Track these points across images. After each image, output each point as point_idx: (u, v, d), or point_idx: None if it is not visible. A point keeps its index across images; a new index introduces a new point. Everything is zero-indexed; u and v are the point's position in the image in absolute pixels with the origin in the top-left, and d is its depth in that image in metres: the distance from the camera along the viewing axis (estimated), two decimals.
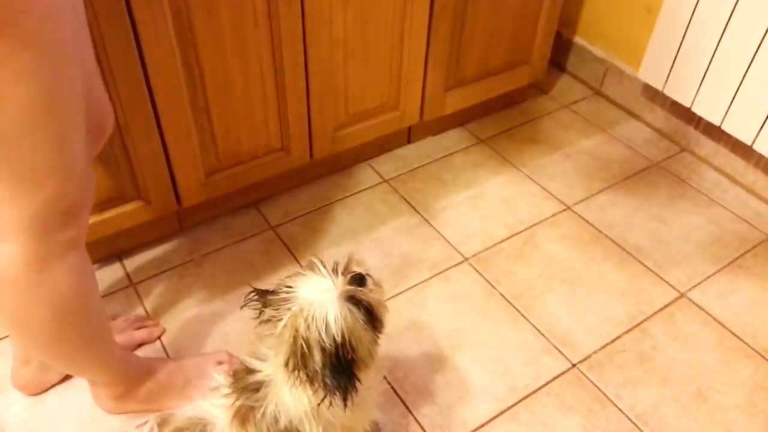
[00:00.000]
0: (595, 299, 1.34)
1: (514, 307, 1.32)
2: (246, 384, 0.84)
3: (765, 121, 1.45)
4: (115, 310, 1.28)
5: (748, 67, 1.44)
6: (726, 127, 1.54)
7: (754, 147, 1.50)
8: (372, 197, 1.56)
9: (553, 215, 1.53)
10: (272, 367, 0.82)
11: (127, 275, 1.35)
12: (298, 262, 1.38)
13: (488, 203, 1.56)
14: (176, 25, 1.10)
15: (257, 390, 0.83)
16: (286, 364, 0.78)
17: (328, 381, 0.76)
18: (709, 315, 1.32)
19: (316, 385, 0.77)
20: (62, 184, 0.76)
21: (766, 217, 1.55)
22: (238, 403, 0.83)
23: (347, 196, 1.56)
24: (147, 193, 1.26)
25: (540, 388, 1.19)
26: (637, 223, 1.52)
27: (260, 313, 0.80)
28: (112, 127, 0.96)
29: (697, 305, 1.34)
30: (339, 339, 0.74)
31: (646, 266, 1.42)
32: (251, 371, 0.84)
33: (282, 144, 1.39)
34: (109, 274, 1.35)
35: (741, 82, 1.47)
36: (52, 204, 0.77)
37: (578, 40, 1.93)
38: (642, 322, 1.31)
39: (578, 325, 1.30)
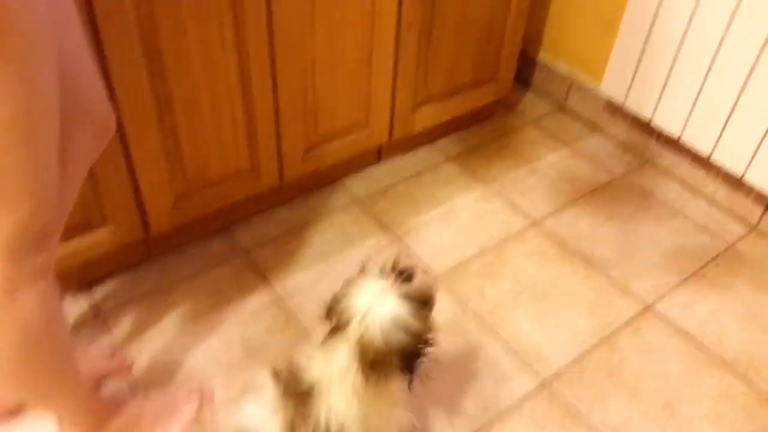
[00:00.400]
0: (565, 314, 1.37)
1: (485, 323, 1.34)
2: (295, 391, 0.86)
3: (721, 133, 1.49)
4: (83, 340, 1.26)
5: (704, 81, 1.49)
6: (685, 140, 1.59)
7: (712, 159, 1.54)
8: (343, 217, 1.56)
9: (522, 231, 1.56)
10: (323, 374, 0.86)
11: (95, 305, 1.33)
12: (269, 287, 1.38)
13: (459, 220, 1.57)
14: (144, 47, 1.10)
15: (307, 397, 0.86)
16: (347, 369, 0.82)
17: (402, 370, 0.83)
18: (675, 326, 1.36)
19: (380, 382, 0.83)
20: (36, 205, 0.75)
21: (728, 227, 1.59)
22: (289, 411, 0.86)
23: (319, 217, 1.56)
24: (114, 220, 1.25)
25: (512, 406, 1.20)
26: (603, 236, 1.55)
27: (328, 321, 0.86)
28: (115, 126, 0.95)
29: (663, 316, 1.37)
30: (402, 334, 0.81)
31: (612, 279, 1.45)
32: (298, 379, 0.87)
33: (252, 165, 1.39)
34: (76, 304, 1.32)
35: (698, 96, 1.51)
36: (25, 226, 0.76)
37: (542, 56, 1.96)
38: (610, 336, 1.33)
39: (548, 340, 1.32)
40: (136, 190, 1.24)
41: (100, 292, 1.35)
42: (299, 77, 1.33)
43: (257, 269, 1.42)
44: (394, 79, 1.51)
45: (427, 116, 1.65)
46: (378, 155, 1.71)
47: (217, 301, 1.35)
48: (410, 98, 1.57)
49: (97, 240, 1.25)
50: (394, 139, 1.63)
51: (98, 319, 1.30)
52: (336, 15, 1.30)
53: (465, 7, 1.52)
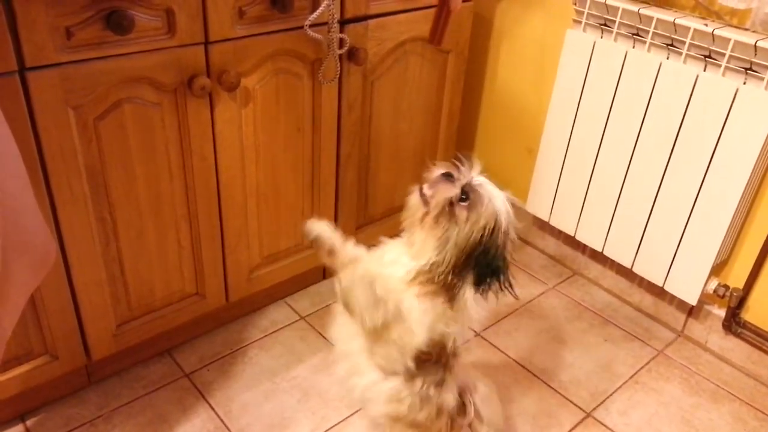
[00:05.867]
0: (509, 424, 1.39)
1: None
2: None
3: (639, 246, 1.63)
4: None
5: (618, 198, 1.64)
6: (608, 253, 1.71)
7: (634, 270, 1.66)
8: (289, 335, 1.58)
9: (464, 342, 1.60)
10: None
11: None
12: (214, 410, 1.36)
13: None
14: (90, 183, 1.14)
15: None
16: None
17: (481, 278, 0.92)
18: None
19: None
20: None
21: (656, 334, 1.69)
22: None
23: (264, 336, 1.57)
24: (55, 348, 1.23)
25: None
26: (541, 346, 1.61)
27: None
28: (54, 257, 0.96)
29: (603, 424, 1.41)
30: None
31: (552, 388, 1.49)
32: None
33: (197, 289, 1.41)
34: None
35: (614, 212, 1.66)
36: None
37: None
38: None
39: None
40: (79, 317, 1.24)
41: (35, 421, 1.30)
42: (244, 206, 1.40)
43: (201, 392, 1.40)
44: (336, 204, 1.60)
45: (369, 235, 1.73)
46: (323, 273, 1.76)
47: (158, 427, 1.31)
48: (352, 220, 1.66)
49: (35, 368, 1.22)
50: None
51: None
52: (278, 152, 1.40)
53: (397, 138, 1.66)
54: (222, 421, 1.34)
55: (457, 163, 0.97)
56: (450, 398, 1.04)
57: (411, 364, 0.97)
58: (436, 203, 0.93)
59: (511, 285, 0.97)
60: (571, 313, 1.73)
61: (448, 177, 0.96)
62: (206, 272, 1.39)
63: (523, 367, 1.54)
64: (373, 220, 1.72)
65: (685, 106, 1.44)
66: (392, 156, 1.67)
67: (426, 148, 1.75)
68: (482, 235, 0.91)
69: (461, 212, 0.92)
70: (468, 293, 0.94)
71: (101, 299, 1.25)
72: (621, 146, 1.59)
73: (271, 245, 1.51)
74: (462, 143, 2.06)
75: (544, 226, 1.93)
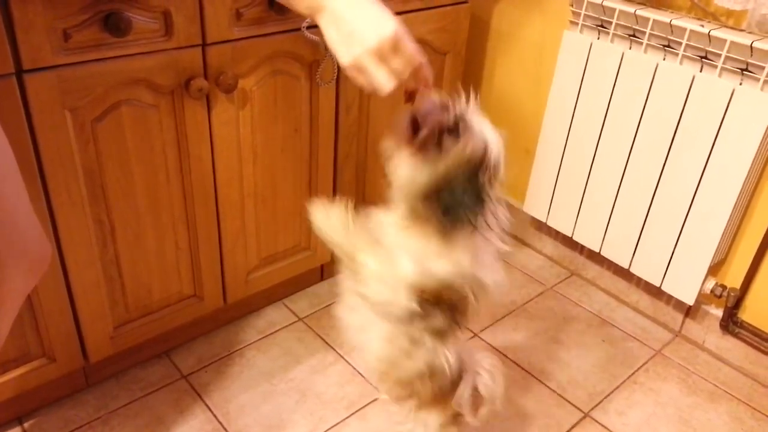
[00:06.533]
0: (507, 425, 1.39)
1: None
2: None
3: (636, 246, 1.63)
4: None
5: (615, 199, 1.64)
6: (605, 253, 1.72)
7: (631, 270, 1.67)
8: (287, 336, 1.58)
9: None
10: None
11: None
12: (211, 412, 1.36)
13: None
14: (88, 185, 1.14)
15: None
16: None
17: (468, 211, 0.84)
18: None
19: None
20: None
21: (654, 334, 1.69)
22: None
23: (262, 337, 1.57)
24: (52, 350, 1.23)
25: None
26: (539, 346, 1.61)
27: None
28: (50, 260, 0.96)
29: (601, 424, 1.41)
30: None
31: (550, 388, 1.49)
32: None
33: (195, 291, 1.41)
34: None
35: (611, 212, 1.66)
36: None
37: None
38: None
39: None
40: (76, 319, 1.24)
41: (33, 423, 1.29)
42: (241, 207, 1.40)
43: (198, 393, 1.40)
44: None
45: None
46: (321, 274, 1.76)
47: (156, 428, 1.31)
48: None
49: (33, 370, 1.22)
50: (337, 259, 1.69)
51: None
52: (276, 154, 1.40)
53: None
54: (220, 422, 1.34)
55: (455, 94, 0.90)
56: (444, 361, 0.95)
57: (412, 305, 0.88)
58: (426, 129, 0.86)
59: (485, 222, 0.87)
60: (568, 314, 1.73)
61: (442, 106, 0.89)
62: (204, 274, 1.39)
63: (521, 367, 1.54)
64: None
65: (681, 107, 1.44)
66: None
67: None
68: (466, 166, 0.84)
69: (450, 142, 0.86)
70: (461, 228, 0.87)
71: (99, 301, 1.25)
72: (618, 147, 1.60)
73: (269, 246, 1.51)
74: None
75: (541, 226, 1.93)
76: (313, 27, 1.29)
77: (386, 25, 0.76)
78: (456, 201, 0.85)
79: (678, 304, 1.67)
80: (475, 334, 1.63)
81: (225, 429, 1.32)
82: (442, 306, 0.91)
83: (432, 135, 0.85)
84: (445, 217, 0.86)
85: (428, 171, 0.85)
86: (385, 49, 0.77)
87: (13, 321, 0.92)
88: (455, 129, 0.86)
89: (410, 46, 0.79)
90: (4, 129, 0.85)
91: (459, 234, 0.87)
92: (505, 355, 1.57)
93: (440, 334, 0.94)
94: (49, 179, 1.09)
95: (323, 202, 0.96)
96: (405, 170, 0.88)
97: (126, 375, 1.43)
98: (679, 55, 1.44)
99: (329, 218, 0.94)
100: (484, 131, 0.86)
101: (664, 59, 1.47)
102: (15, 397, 1.23)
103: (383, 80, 0.80)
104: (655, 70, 1.47)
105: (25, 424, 1.30)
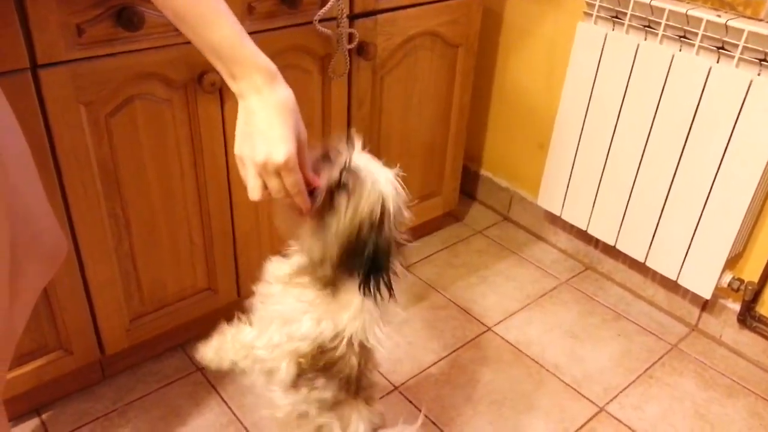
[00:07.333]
0: (522, 419, 1.39)
1: None
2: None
3: (652, 240, 1.61)
4: None
5: (631, 192, 1.62)
6: (620, 247, 1.70)
7: (647, 264, 1.65)
8: None
9: (476, 337, 1.60)
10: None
11: (46, 430, 1.28)
12: (226, 404, 1.36)
13: (414, 328, 1.61)
14: (103, 180, 1.15)
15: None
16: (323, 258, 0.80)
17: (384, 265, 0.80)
18: (628, 427, 1.39)
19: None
20: None
21: (669, 328, 1.67)
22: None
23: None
24: (69, 343, 1.24)
25: None
26: (553, 341, 1.60)
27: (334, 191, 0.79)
28: (65, 253, 0.97)
29: (617, 419, 1.40)
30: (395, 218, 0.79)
31: (564, 382, 1.49)
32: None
33: (209, 284, 1.42)
34: (25, 430, 1.28)
35: (627, 206, 1.64)
36: None
37: (484, 172, 2.11)
38: None
39: None
40: (92, 312, 1.25)
41: (50, 415, 1.31)
42: (254, 203, 1.40)
43: (213, 386, 1.41)
44: None
45: None
46: None
47: (172, 420, 1.32)
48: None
49: (50, 363, 1.24)
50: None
51: None
52: None
53: (408, 133, 1.65)
54: (235, 414, 1.34)
55: (337, 142, 0.84)
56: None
57: (288, 370, 0.85)
58: (319, 196, 0.80)
59: (390, 285, 0.84)
60: (583, 308, 1.72)
61: (324, 159, 0.82)
62: (218, 268, 1.40)
63: (535, 361, 1.54)
64: None
65: (698, 99, 1.42)
66: (402, 150, 1.67)
67: (436, 143, 1.75)
68: (365, 224, 0.79)
69: (340, 199, 0.79)
70: (352, 286, 0.82)
71: (114, 295, 1.26)
72: (633, 139, 1.58)
73: (282, 242, 1.51)
74: (472, 138, 2.05)
75: (555, 220, 1.91)
76: (326, 20, 1.28)
77: (280, 151, 0.75)
78: (368, 263, 0.81)
79: (694, 298, 1.66)
80: (489, 328, 1.62)
81: (240, 421, 1.33)
82: (327, 372, 0.86)
83: (324, 198, 0.80)
84: (361, 282, 0.82)
85: (327, 237, 0.80)
86: (268, 169, 0.77)
87: (29, 314, 0.93)
88: (344, 184, 0.80)
89: (293, 178, 0.77)
90: (19, 124, 0.86)
91: (349, 293, 0.83)
92: (518, 350, 1.57)
93: (328, 404, 0.89)
94: (65, 174, 1.10)
95: (207, 346, 0.96)
96: (307, 240, 0.84)
97: (142, 368, 1.44)
98: (696, 46, 1.42)
99: (218, 353, 0.94)
100: (375, 178, 0.81)
101: (680, 50, 1.45)
102: (33, 388, 1.24)
103: (253, 188, 0.80)
104: (671, 62, 1.45)
105: (43, 416, 1.31)
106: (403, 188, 0.84)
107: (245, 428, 1.32)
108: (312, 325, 0.83)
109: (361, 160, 0.82)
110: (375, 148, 1.59)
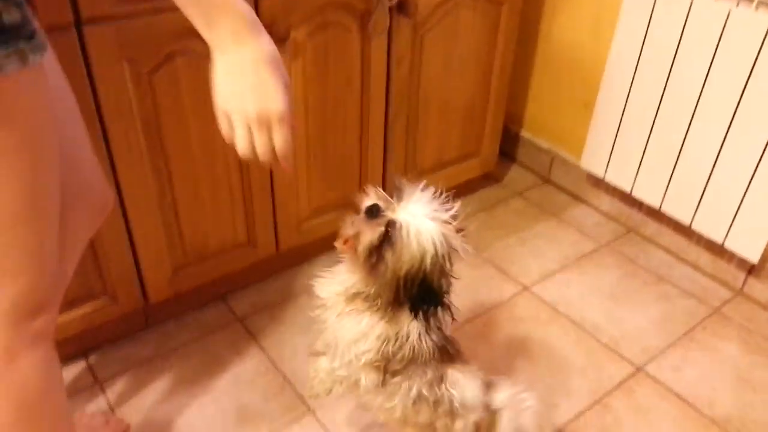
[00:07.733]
0: (556, 377, 1.39)
1: None
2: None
3: (699, 202, 1.56)
4: (79, 406, 1.28)
5: (679, 153, 1.57)
6: (665, 210, 1.66)
7: (693, 227, 1.61)
8: None
9: (513, 296, 1.60)
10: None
11: (92, 372, 1.35)
12: (265, 353, 1.41)
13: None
14: (146, 134, 1.18)
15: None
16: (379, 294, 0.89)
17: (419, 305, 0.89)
18: (667, 388, 1.37)
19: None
20: (35, 279, 0.80)
21: (712, 292, 1.63)
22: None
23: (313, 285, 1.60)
24: (114, 290, 1.30)
25: None
26: (592, 302, 1.59)
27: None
28: (113, 205, 1.01)
29: (655, 379, 1.39)
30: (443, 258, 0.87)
31: (602, 343, 1.47)
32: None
33: (249, 238, 1.45)
34: (74, 371, 1.35)
35: (674, 167, 1.59)
36: (23, 298, 0.80)
37: (525, 133, 2.07)
38: (603, 397, 1.35)
39: (541, 403, 1.32)
40: (136, 262, 1.30)
41: (97, 358, 1.38)
42: (293, 161, 1.41)
43: (253, 336, 1.45)
44: (384, 158, 1.60)
45: None
46: None
47: (213, 367, 1.37)
48: (400, 173, 1.66)
49: (96, 309, 1.29)
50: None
51: (95, 385, 1.33)
52: (327, 105, 1.41)
53: (447, 93, 1.63)
54: (273, 363, 1.39)
55: (392, 189, 0.91)
56: (457, 393, 1.01)
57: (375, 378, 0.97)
58: (360, 248, 0.88)
59: (450, 310, 0.95)
60: (624, 271, 1.69)
61: (372, 214, 0.88)
62: (257, 222, 1.43)
63: (573, 321, 1.53)
64: (421, 174, 1.71)
65: (754, 57, 1.36)
66: (441, 111, 1.65)
67: (476, 104, 1.72)
68: (411, 271, 0.86)
69: (387, 253, 0.86)
70: (407, 316, 0.92)
71: (157, 245, 1.30)
72: (684, 99, 1.52)
73: (320, 197, 1.53)
74: (515, 97, 2.01)
75: (598, 183, 1.87)
76: None
77: (277, 102, 0.74)
78: (418, 299, 0.89)
79: (740, 263, 1.61)
80: (526, 288, 1.62)
81: (279, 369, 1.37)
82: (411, 363, 0.96)
83: (369, 252, 0.87)
84: (411, 312, 0.91)
85: (379, 281, 0.89)
86: (262, 122, 0.74)
87: (78, 261, 0.98)
88: (387, 238, 0.86)
89: (285, 132, 0.76)
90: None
91: (404, 313, 0.92)
92: (556, 309, 1.56)
93: (430, 383, 0.99)
94: (109, 128, 1.13)
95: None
96: (363, 279, 0.92)
97: (184, 317, 1.49)
98: (755, 2, 1.34)
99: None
100: (421, 235, 0.86)
101: (737, 6, 1.38)
102: (81, 333, 1.31)
103: (245, 144, 0.77)
104: (727, 18, 1.38)
105: (90, 359, 1.38)
106: (451, 223, 0.90)
107: (283, 375, 1.36)
108: (375, 342, 0.93)
109: (407, 215, 0.87)
110: (414, 108, 1.58)
